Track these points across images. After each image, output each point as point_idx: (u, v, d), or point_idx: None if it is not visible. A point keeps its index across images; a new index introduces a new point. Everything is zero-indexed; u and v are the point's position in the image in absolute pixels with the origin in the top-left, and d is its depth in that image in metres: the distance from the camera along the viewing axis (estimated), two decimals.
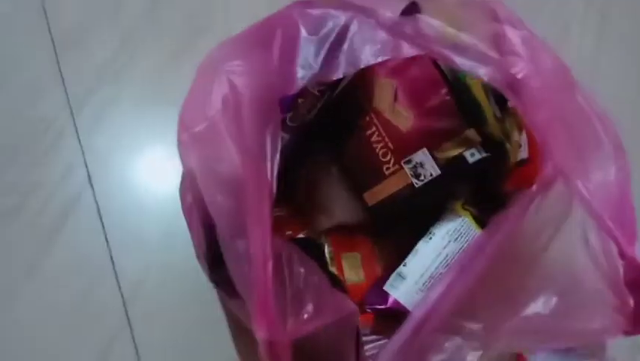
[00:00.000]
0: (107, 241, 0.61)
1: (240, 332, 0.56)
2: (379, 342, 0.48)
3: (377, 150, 0.47)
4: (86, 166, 0.64)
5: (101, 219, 0.62)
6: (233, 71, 0.36)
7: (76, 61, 0.68)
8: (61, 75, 0.67)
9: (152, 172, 0.64)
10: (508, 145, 0.44)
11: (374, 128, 0.47)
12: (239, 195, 0.33)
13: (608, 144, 0.35)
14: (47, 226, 0.62)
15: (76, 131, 0.65)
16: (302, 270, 0.36)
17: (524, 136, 0.45)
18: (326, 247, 0.51)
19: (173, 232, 0.54)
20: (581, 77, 0.37)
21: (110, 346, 0.58)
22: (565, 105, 0.37)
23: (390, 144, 0.46)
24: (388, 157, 0.46)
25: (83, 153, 0.64)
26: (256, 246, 0.31)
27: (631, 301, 0.36)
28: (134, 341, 0.58)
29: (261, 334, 0.30)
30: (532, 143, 0.44)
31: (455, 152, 0.45)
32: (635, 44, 0.70)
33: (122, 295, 0.59)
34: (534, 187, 0.36)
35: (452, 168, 0.45)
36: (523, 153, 0.45)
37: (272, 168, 0.33)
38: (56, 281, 0.60)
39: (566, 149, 0.36)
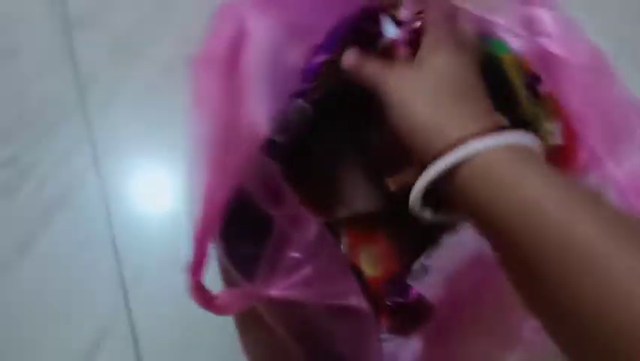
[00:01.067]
0: (110, 224, 0.61)
1: (248, 327, 0.55)
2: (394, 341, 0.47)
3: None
4: (92, 146, 0.64)
5: (105, 201, 0.62)
6: (248, 14, 0.35)
7: (89, 37, 0.68)
8: (72, 51, 0.67)
9: (160, 157, 0.64)
10: (539, 131, 0.41)
11: None
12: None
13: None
14: (46, 204, 0.61)
15: (84, 110, 0.65)
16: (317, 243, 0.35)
17: (556, 124, 0.45)
18: (343, 237, 0.50)
19: (180, 219, 0.53)
20: None
21: (105, 335, 0.57)
22: (600, 91, 0.37)
23: None
24: None
25: (90, 132, 0.64)
26: (209, 192, 0.30)
27: None
28: (133, 330, 0.57)
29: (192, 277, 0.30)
30: (565, 130, 0.44)
31: None
32: None
33: (123, 280, 0.58)
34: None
35: None
36: (557, 140, 0.45)
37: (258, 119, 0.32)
38: (54, 261, 0.59)
39: (600, 136, 0.36)
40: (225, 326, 0.52)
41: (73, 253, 0.59)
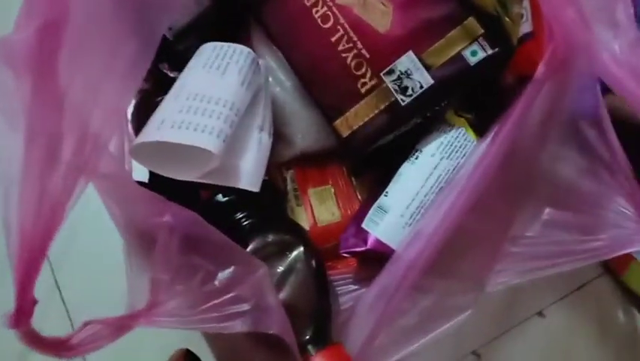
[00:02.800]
0: None
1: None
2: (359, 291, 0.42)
3: (348, 61, 0.38)
4: None
5: None
6: None
7: None
8: None
9: None
10: (506, 19, 0.35)
11: (341, 32, 0.38)
12: None
13: (620, 13, 0.29)
14: None
15: None
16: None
17: (526, 3, 0.37)
18: (288, 182, 0.43)
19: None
20: None
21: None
22: None
23: (364, 52, 0.37)
24: (363, 69, 0.37)
25: None
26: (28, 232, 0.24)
27: None
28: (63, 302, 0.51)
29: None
30: (536, 13, 0.37)
31: (451, 51, 0.36)
32: None
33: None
34: (541, 68, 0.30)
35: (448, 75, 0.36)
36: (526, 27, 0.37)
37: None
38: None
39: (576, 18, 0.30)
40: None
41: None
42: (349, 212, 0.43)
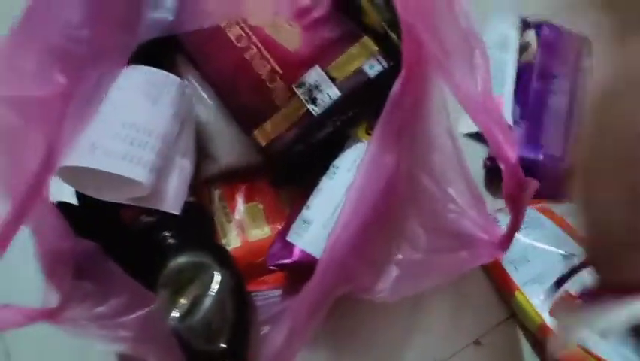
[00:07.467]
0: None
1: None
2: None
3: (262, 77, 0.41)
4: None
5: None
6: None
7: None
8: None
9: None
10: (394, 36, 0.39)
11: (254, 50, 0.41)
12: None
13: (474, 44, 0.31)
14: None
15: None
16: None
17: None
18: (216, 200, 0.46)
19: None
20: None
21: None
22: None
23: (277, 67, 0.41)
24: (276, 83, 0.41)
25: None
26: None
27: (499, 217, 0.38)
28: None
29: None
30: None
31: (353, 66, 0.41)
32: None
33: None
34: (399, 80, 0.31)
35: (352, 87, 0.40)
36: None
37: None
38: None
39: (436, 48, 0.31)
40: None
41: None
42: (279, 227, 0.45)
